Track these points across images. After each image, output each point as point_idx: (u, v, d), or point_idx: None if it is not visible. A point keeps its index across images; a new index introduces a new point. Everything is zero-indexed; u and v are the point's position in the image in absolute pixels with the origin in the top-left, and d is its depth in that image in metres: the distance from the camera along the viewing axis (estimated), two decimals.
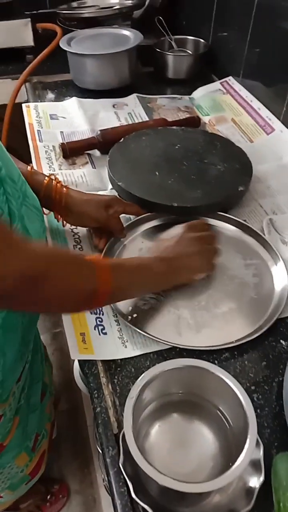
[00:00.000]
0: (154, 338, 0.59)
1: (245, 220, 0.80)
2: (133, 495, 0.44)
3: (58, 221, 0.73)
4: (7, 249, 0.41)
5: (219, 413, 0.47)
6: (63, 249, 0.69)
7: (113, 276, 0.52)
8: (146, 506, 0.44)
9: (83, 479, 1.28)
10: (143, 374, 0.45)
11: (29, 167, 0.69)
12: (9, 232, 0.45)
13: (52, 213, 0.72)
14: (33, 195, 0.62)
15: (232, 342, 0.59)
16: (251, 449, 0.39)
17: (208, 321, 0.63)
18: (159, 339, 0.59)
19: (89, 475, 1.29)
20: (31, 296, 0.45)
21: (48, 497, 1.22)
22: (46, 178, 0.69)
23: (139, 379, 0.44)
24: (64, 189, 0.69)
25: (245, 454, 0.38)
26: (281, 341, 0.61)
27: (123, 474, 0.46)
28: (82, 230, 0.76)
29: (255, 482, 0.45)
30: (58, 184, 0.69)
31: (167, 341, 0.59)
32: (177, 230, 0.68)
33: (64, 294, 0.48)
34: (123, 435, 0.48)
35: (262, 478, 0.45)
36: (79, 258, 0.53)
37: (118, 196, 0.81)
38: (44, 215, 0.77)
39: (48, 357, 1.01)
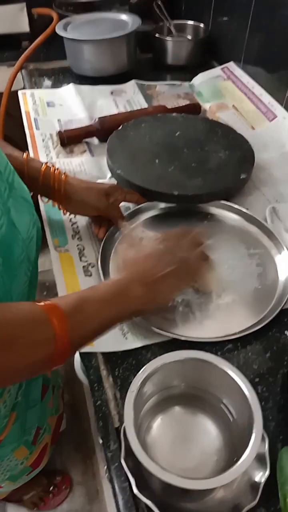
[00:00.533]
0: (155, 329, 0.58)
1: (247, 209, 0.78)
2: (135, 491, 0.43)
3: (59, 209, 0.71)
4: None
5: (222, 406, 0.46)
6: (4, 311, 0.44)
7: (71, 327, 0.42)
8: (148, 502, 0.43)
9: (85, 470, 1.28)
10: (144, 367, 0.43)
11: (25, 155, 0.67)
12: None
13: (50, 202, 0.70)
14: (23, 185, 0.59)
15: (235, 334, 0.58)
16: (256, 444, 0.37)
17: (211, 312, 0.61)
18: (160, 330, 0.58)
19: (91, 466, 1.29)
20: None
21: (51, 488, 1.22)
22: (44, 165, 0.67)
23: (140, 372, 0.43)
24: (63, 176, 0.67)
25: (251, 449, 0.37)
26: (286, 332, 0.60)
27: (124, 469, 0.45)
28: (80, 220, 0.74)
29: (260, 476, 0.44)
30: (56, 171, 0.67)
31: (168, 333, 0.58)
32: (150, 241, 0.59)
33: (13, 365, 0.40)
34: (125, 430, 0.47)
35: (267, 473, 0.44)
36: (26, 313, 0.43)
37: (117, 184, 0.79)
38: (41, 205, 0.76)
39: None
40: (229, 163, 0.80)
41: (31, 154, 0.90)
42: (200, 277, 0.60)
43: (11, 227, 0.52)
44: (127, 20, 1.16)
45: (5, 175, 0.53)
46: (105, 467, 1.15)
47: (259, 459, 0.44)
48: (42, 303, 0.43)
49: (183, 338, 0.57)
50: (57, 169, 0.67)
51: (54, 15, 1.23)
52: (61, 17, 1.20)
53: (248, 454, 0.37)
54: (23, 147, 0.86)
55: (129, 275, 0.52)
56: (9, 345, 0.39)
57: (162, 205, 0.76)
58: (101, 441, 0.50)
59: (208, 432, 0.46)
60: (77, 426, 1.36)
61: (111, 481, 0.46)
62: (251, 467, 0.43)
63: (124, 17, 1.18)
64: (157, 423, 0.48)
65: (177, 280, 0.56)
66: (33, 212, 0.59)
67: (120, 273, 0.55)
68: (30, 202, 0.59)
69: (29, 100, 1.06)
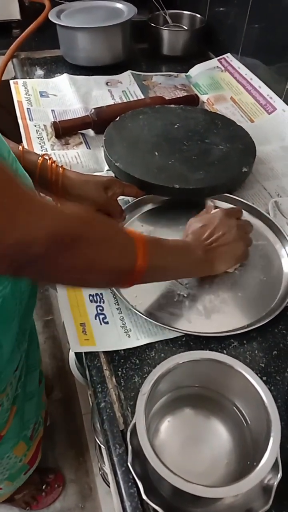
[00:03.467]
0: (162, 325, 0.56)
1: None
2: (144, 497, 0.41)
3: (56, 203, 0.68)
4: (38, 208, 0.37)
5: (235, 409, 0.44)
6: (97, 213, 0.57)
7: (150, 253, 0.48)
8: (158, 508, 0.41)
9: (78, 468, 1.27)
10: (155, 368, 0.41)
11: (20, 147, 0.64)
12: (37, 195, 0.41)
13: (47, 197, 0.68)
14: (25, 173, 0.57)
15: (244, 327, 0.57)
16: (274, 449, 0.36)
17: (218, 306, 0.60)
18: (168, 326, 0.56)
19: (84, 463, 1.27)
20: (65, 260, 0.40)
21: (43, 487, 1.20)
22: (40, 157, 0.64)
23: (151, 373, 0.41)
24: (60, 169, 0.64)
25: (269, 454, 0.36)
26: None
27: (132, 474, 0.43)
28: None
29: (272, 479, 0.42)
30: (53, 164, 0.64)
31: (176, 328, 0.56)
32: (214, 213, 0.64)
33: (100, 262, 0.44)
34: (132, 433, 0.45)
35: (279, 475, 0.42)
36: (116, 224, 0.50)
37: (115, 177, 0.76)
38: None
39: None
40: (230, 156, 0.78)
41: (25, 146, 0.86)
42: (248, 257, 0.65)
43: None
44: (122, 8, 1.13)
45: (9, 161, 0.50)
46: (99, 464, 1.14)
47: None
48: (136, 233, 0.49)
49: (190, 333, 0.56)
50: (54, 161, 0.65)
51: (46, 2, 1.19)
52: (53, 4, 1.16)
53: (266, 460, 0.35)
54: (15, 138, 0.83)
55: (192, 239, 0.59)
56: (103, 242, 0.43)
57: (161, 199, 0.74)
58: (105, 444, 0.48)
59: (218, 435, 0.45)
60: (70, 423, 1.34)
61: (117, 486, 0.44)
62: None
63: (119, 5, 1.15)
64: (166, 424, 0.46)
65: (229, 256, 0.61)
66: None
67: (186, 238, 0.60)
68: (34, 190, 0.57)
69: (22, 90, 1.03)
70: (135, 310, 0.57)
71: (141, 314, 0.57)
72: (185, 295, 0.61)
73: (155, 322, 0.56)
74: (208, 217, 0.63)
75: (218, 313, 0.59)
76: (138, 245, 0.47)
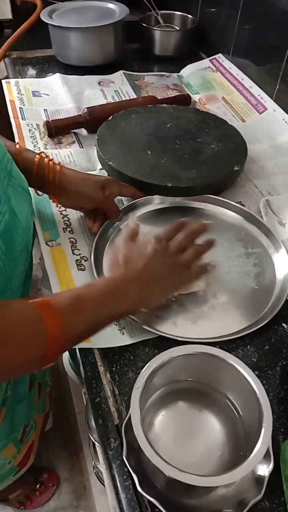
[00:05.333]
0: (147, 328, 0.56)
1: (240, 202, 0.78)
2: (139, 489, 0.42)
3: (53, 202, 0.69)
4: None
5: (228, 402, 0.45)
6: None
7: (66, 325, 0.42)
8: (152, 499, 0.42)
9: (72, 466, 1.27)
10: (150, 362, 0.42)
11: (17, 145, 0.64)
12: None
13: (44, 195, 0.68)
14: (20, 174, 0.57)
15: (230, 335, 0.56)
16: (266, 440, 0.37)
17: (206, 312, 0.60)
18: (153, 329, 0.56)
19: (78, 462, 1.28)
20: None
21: (37, 486, 1.20)
22: (37, 155, 0.64)
23: (145, 367, 0.42)
24: (58, 166, 0.64)
25: (261, 445, 0.36)
26: (283, 324, 0.60)
27: (127, 467, 0.44)
28: (71, 213, 0.72)
29: (264, 470, 0.43)
30: (50, 162, 0.64)
31: (161, 332, 0.56)
32: (151, 238, 0.56)
33: (9, 367, 0.40)
34: (126, 427, 0.46)
35: (271, 466, 0.43)
36: (20, 315, 0.42)
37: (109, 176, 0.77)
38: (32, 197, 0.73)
39: None
40: (222, 155, 0.79)
41: None
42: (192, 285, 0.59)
43: (13, 216, 0.50)
44: (114, 8, 1.14)
45: (4, 164, 0.50)
46: (93, 462, 1.14)
47: None
48: (37, 300, 0.43)
49: (174, 338, 0.55)
50: (52, 159, 0.65)
51: (38, 2, 1.19)
52: (45, 4, 1.16)
53: (258, 450, 0.36)
54: (7, 137, 0.83)
55: (125, 274, 0.52)
56: (2, 345, 0.38)
57: (157, 200, 0.74)
58: (100, 439, 0.49)
59: (211, 427, 0.46)
60: (64, 422, 1.34)
61: (113, 479, 0.45)
62: None
63: (111, 5, 1.16)
64: (160, 418, 0.47)
65: (171, 285, 0.55)
66: (31, 201, 0.57)
67: (116, 269, 0.54)
68: (28, 191, 0.57)
69: (14, 89, 1.03)
70: None
71: (127, 317, 0.57)
72: (174, 299, 0.61)
73: (140, 324, 0.56)
74: (144, 241, 0.56)
75: (205, 319, 0.59)
76: (46, 326, 0.41)
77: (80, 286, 0.50)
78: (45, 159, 0.64)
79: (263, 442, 0.37)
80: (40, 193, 0.67)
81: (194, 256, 0.57)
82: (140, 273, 0.51)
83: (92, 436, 0.86)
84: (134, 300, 0.50)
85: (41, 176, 0.64)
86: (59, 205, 0.70)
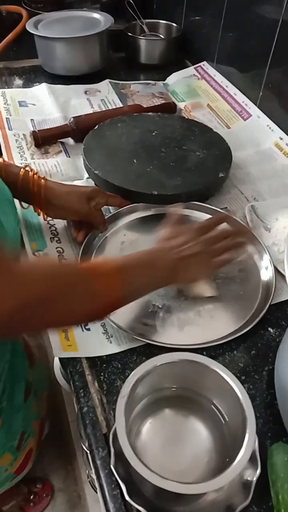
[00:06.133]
0: (134, 336, 0.56)
1: (226, 208, 0.78)
2: (127, 498, 0.42)
3: (39, 215, 0.69)
4: (1, 276, 0.36)
5: (213, 407, 0.45)
6: (63, 263, 0.58)
7: (123, 283, 0.48)
8: (140, 508, 0.42)
9: (66, 476, 1.26)
10: (134, 371, 0.42)
11: (1, 159, 0.65)
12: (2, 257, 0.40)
13: (30, 207, 0.68)
14: (5, 187, 0.58)
15: (216, 340, 0.57)
16: (250, 445, 0.37)
17: (192, 318, 0.60)
18: (139, 337, 0.56)
19: (72, 472, 1.27)
20: (34, 322, 0.41)
21: (31, 497, 1.19)
22: (22, 170, 0.65)
23: (130, 375, 0.42)
24: (42, 180, 0.65)
25: (245, 450, 0.37)
26: (269, 328, 0.60)
27: (115, 476, 0.44)
28: (59, 222, 0.73)
29: (251, 475, 0.44)
30: (35, 176, 0.65)
31: (149, 340, 0.56)
32: (186, 227, 0.61)
33: (72, 315, 0.45)
34: (114, 436, 0.46)
35: (258, 471, 0.44)
36: (83, 273, 0.47)
37: (95, 185, 0.77)
38: (17, 209, 0.73)
39: (34, 354, 0.97)
40: (207, 162, 0.80)
41: (5, 155, 0.87)
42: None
43: (0, 227, 0.51)
44: (99, 18, 1.15)
45: None
46: (87, 470, 1.13)
47: (250, 457, 0.44)
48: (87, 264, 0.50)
49: (161, 345, 0.56)
50: (36, 173, 0.65)
51: (24, 12, 1.20)
52: (31, 14, 1.17)
53: (242, 455, 0.37)
54: None
55: (159, 248, 0.56)
56: (71, 295, 0.43)
57: (143, 208, 0.74)
58: (88, 448, 0.49)
59: (198, 434, 0.46)
60: (57, 431, 1.34)
61: (101, 488, 0.45)
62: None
63: (96, 15, 1.17)
64: (147, 426, 0.47)
65: (197, 267, 0.58)
66: (16, 213, 0.58)
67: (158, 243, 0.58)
68: (13, 202, 0.57)
69: (0, 100, 1.03)
70: (107, 319, 0.58)
71: (112, 323, 0.58)
72: (160, 306, 0.61)
73: (127, 331, 0.57)
74: (178, 229, 0.61)
75: (192, 325, 0.59)
76: (109, 284, 0.47)
77: (119, 257, 0.56)
78: (30, 172, 0.64)
79: (247, 447, 0.37)
80: (25, 205, 0.68)
81: (224, 248, 0.59)
82: (171, 248, 0.55)
83: (83, 445, 0.86)
84: (167, 271, 0.55)
85: (26, 189, 0.64)
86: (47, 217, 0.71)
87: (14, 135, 0.92)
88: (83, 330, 0.58)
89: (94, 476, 0.91)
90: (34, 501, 1.19)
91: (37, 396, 0.89)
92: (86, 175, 0.82)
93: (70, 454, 1.29)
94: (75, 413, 1.32)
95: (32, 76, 1.16)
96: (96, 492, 1.08)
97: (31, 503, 1.18)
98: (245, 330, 0.58)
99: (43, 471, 1.26)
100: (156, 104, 1.04)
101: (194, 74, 1.17)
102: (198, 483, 0.36)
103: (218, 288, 0.64)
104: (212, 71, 1.15)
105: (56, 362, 1.18)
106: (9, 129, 0.94)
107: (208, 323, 0.60)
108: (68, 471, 1.27)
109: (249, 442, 0.37)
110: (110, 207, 0.75)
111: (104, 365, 0.55)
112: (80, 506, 1.22)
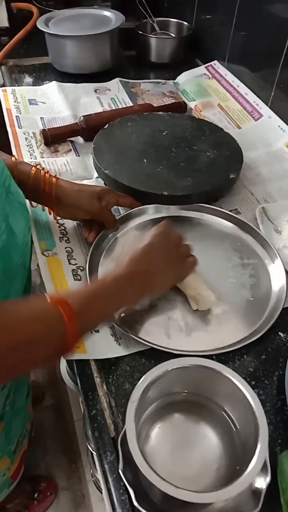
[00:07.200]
0: (141, 340, 0.56)
1: (236, 209, 0.78)
2: (135, 503, 0.42)
3: (49, 214, 0.69)
4: None
5: (224, 414, 0.45)
6: (16, 306, 0.46)
7: (79, 317, 0.44)
8: None
9: (71, 475, 1.26)
10: (145, 375, 0.42)
11: (13, 158, 0.64)
12: None
13: (38, 206, 0.68)
14: (18, 190, 0.57)
15: (224, 347, 0.56)
16: (262, 453, 0.36)
17: (200, 324, 0.59)
18: (146, 341, 0.56)
19: (76, 470, 1.27)
20: None
21: (35, 495, 1.19)
22: (33, 168, 0.64)
23: (140, 380, 0.42)
24: (54, 179, 0.64)
25: (257, 459, 0.36)
26: (280, 333, 0.59)
27: (123, 481, 0.43)
28: (68, 222, 0.72)
29: (261, 482, 0.43)
30: (46, 174, 0.64)
31: (154, 344, 0.55)
32: (142, 236, 0.59)
33: (24, 360, 0.42)
34: (123, 440, 0.45)
35: (268, 479, 0.43)
36: (29, 310, 0.44)
37: (105, 185, 0.77)
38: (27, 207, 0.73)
39: None
40: (217, 163, 0.79)
41: (14, 153, 0.87)
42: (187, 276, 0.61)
43: (10, 233, 0.50)
44: (110, 16, 1.14)
45: (2, 180, 0.50)
46: (91, 471, 1.13)
47: None
48: (54, 298, 0.45)
49: (167, 350, 0.55)
50: (47, 172, 0.65)
51: (35, 10, 1.20)
52: (41, 12, 1.17)
53: (254, 465, 0.36)
54: (3, 146, 0.83)
55: (131, 270, 0.54)
56: (27, 346, 0.41)
57: (153, 210, 0.73)
58: (97, 452, 0.48)
59: (208, 440, 0.45)
60: (61, 430, 1.34)
61: (109, 493, 0.45)
62: None
63: (107, 13, 1.16)
64: (156, 430, 0.46)
65: (171, 276, 0.59)
66: (28, 217, 0.57)
67: (122, 264, 0.55)
68: (26, 206, 0.57)
69: (10, 98, 1.03)
70: (115, 324, 0.57)
71: (116, 326, 0.57)
72: (168, 312, 0.60)
73: (132, 335, 0.56)
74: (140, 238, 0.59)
75: (199, 331, 0.58)
76: (67, 323, 0.43)
77: (91, 284, 0.54)
78: (41, 171, 0.64)
79: (259, 456, 0.36)
80: (34, 204, 0.67)
81: (188, 250, 0.61)
82: (144, 265, 0.54)
83: (89, 446, 0.85)
84: (140, 292, 0.55)
85: (37, 188, 0.63)
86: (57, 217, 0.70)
87: (24, 133, 0.92)
88: (91, 332, 0.58)
89: (99, 477, 0.90)
90: (38, 499, 1.19)
91: (30, 398, 0.89)
92: (96, 175, 0.82)
93: (75, 453, 1.29)
94: (80, 412, 1.32)
95: (42, 74, 1.16)
96: (101, 493, 1.08)
97: (35, 501, 1.18)
98: (255, 338, 0.57)
99: (48, 469, 1.26)
100: (166, 103, 1.03)
101: (204, 73, 1.16)
102: (208, 491, 0.36)
103: (227, 294, 0.63)
104: (223, 70, 1.14)
105: (63, 361, 1.18)
106: (19, 127, 0.93)
107: (216, 329, 0.59)
108: (73, 470, 1.27)
109: (261, 451, 0.37)
110: (119, 208, 0.74)
111: (113, 368, 0.55)
112: (84, 505, 1.22)
